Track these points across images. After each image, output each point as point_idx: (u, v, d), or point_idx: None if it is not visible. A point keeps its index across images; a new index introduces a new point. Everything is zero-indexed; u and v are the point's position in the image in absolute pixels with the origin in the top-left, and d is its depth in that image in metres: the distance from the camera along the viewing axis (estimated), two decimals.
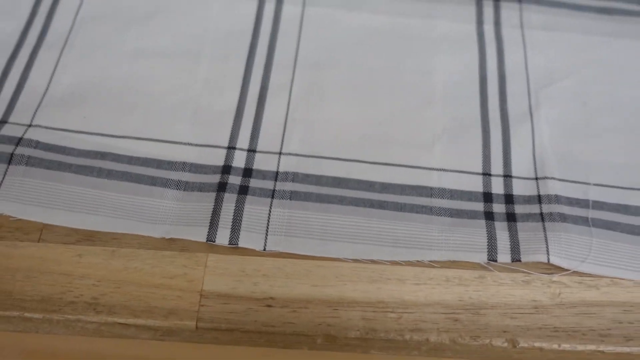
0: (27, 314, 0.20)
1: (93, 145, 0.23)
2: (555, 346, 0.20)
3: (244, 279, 0.20)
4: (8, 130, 0.23)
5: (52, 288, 0.20)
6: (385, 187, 0.23)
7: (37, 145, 0.23)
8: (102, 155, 0.23)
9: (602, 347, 0.20)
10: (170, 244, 0.21)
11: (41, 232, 0.21)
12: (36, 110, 0.24)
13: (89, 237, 0.21)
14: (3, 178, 0.22)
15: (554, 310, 0.20)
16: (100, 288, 0.20)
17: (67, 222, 0.21)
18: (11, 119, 0.24)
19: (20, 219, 0.21)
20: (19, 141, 0.23)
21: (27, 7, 0.27)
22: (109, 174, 0.22)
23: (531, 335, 0.20)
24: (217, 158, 0.23)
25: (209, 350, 0.22)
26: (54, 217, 0.21)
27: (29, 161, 0.22)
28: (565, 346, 0.20)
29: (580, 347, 0.20)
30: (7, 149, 0.22)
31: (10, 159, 0.22)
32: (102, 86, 0.25)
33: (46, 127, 0.24)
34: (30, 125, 0.24)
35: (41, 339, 0.23)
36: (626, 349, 0.20)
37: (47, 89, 0.25)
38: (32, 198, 0.22)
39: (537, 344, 0.20)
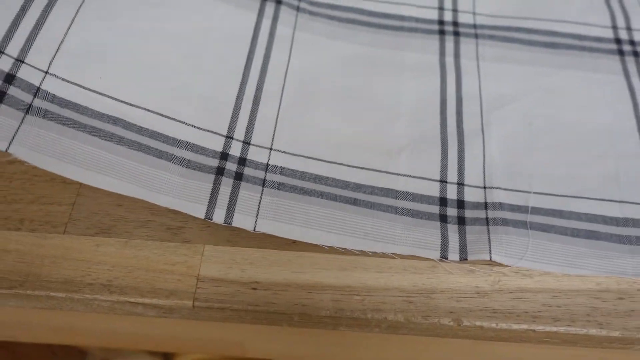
0: (52, 294, 0.23)
1: (106, 108, 0.25)
2: (493, 325, 0.23)
3: (234, 266, 0.24)
4: (25, 74, 0.24)
5: (74, 272, 0.23)
6: (358, 187, 0.26)
7: (54, 99, 0.24)
8: (114, 121, 0.24)
9: (533, 327, 0.23)
10: (173, 237, 0.24)
11: (66, 226, 0.24)
12: (53, 57, 0.25)
13: (106, 231, 0.24)
14: (20, 125, 0.23)
15: (493, 295, 0.23)
16: (114, 272, 0.23)
17: (78, 177, 0.23)
18: (27, 59, 0.24)
19: (48, 214, 0.25)
20: (37, 91, 0.24)
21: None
22: (120, 141, 0.24)
23: (473, 315, 0.23)
24: (216, 144, 0.25)
25: (203, 326, 0.26)
26: (66, 171, 0.23)
27: (46, 115, 0.24)
28: (502, 325, 0.23)
29: (515, 327, 0.23)
30: (26, 97, 0.24)
31: (28, 109, 0.24)
32: (120, 51, 0.26)
33: (62, 79, 0.25)
34: (47, 73, 0.24)
35: (63, 315, 0.27)
36: (554, 329, 0.23)
37: (65, 34, 0.25)
38: (47, 149, 0.23)
39: (478, 323, 0.23)
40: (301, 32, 0.30)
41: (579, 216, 0.26)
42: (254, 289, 0.23)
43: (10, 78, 0.24)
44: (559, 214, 0.26)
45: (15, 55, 0.24)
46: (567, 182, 0.27)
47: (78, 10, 0.26)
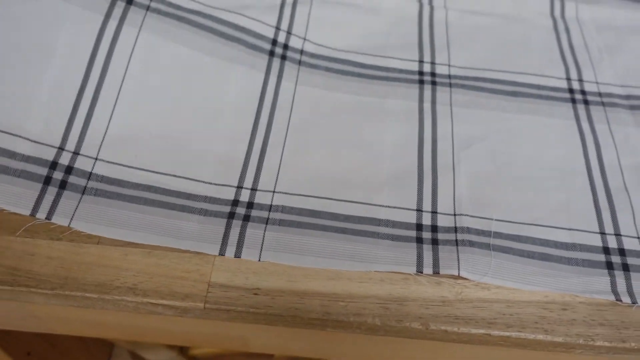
0: (87, 294, 0.27)
1: (141, 179, 0.30)
2: (455, 329, 0.27)
3: (239, 274, 0.28)
4: (81, 164, 0.30)
5: (105, 277, 0.27)
6: (346, 218, 0.30)
7: (102, 179, 0.30)
8: (147, 188, 0.30)
9: (489, 332, 0.27)
10: (188, 251, 0.29)
11: (99, 238, 0.29)
12: (100, 146, 0.31)
13: (132, 242, 0.29)
14: (78, 204, 0.29)
15: (456, 304, 0.27)
16: (138, 278, 0.27)
17: (122, 237, 0.28)
18: (82, 151, 0.30)
19: None
20: (89, 176, 0.30)
21: (87, 52, 0.32)
22: (152, 203, 0.29)
23: (439, 321, 0.27)
24: (228, 194, 0.30)
25: (213, 324, 0.30)
26: (114, 234, 0.28)
27: (97, 192, 0.29)
28: (463, 330, 0.27)
29: (473, 331, 0.27)
30: (82, 182, 0.29)
31: (83, 191, 0.29)
32: (151, 130, 0.32)
33: (108, 162, 0.30)
34: (96, 159, 0.30)
35: (96, 313, 0.31)
36: (507, 334, 0.27)
37: (107, 127, 0.31)
38: (98, 219, 0.28)
39: (442, 327, 0.27)
40: (302, 85, 0.35)
41: (533, 241, 0.30)
42: (255, 294, 0.27)
43: (70, 169, 0.30)
44: (517, 238, 0.30)
45: (72, 149, 0.30)
46: (524, 211, 0.31)
47: (115, 105, 0.32)
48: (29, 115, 0.30)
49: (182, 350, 0.52)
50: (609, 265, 0.29)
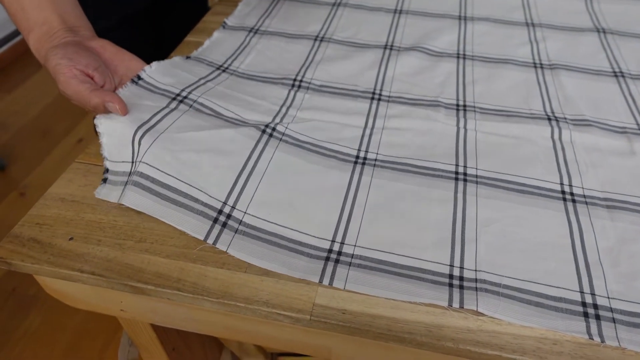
0: (238, 304, 0.39)
1: (273, 229, 0.43)
2: (476, 350, 0.37)
3: (333, 299, 0.40)
4: (236, 214, 0.44)
5: (249, 293, 0.40)
6: (402, 267, 0.41)
7: (248, 226, 0.44)
8: (275, 236, 0.43)
9: (500, 354, 0.36)
10: (301, 280, 0.41)
11: (246, 269, 0.42)
12: (249, 204, 0.44)
13: (266, 273, 0.41)
14: (232, 239, 0.42)
15: (477, 332, 0.37)
16: (270, 296, 0.40)
17: (257, 264, 0.41)
18: (237, 206, 0.44)
19: (239, 261, 0.42)
20: (240, 222, 0.44)
21: (243, 156, 0.48)
22: (278, 245, 0.42)
23: (465, 343, 0.37)
24: (326, 245, 0.43)
25: (307, 334, 0.41)
26: (252, 261, 0.41)
27: (245, 233, 0.43)
28: (482, 351, 0.36)
29: (489, 352, 0.37)
30: (235, 225, 0.43)
31: (236, 231, 0.43)
32: (278, 200, 0.45)
33: (253, 215, 0.44)
34: (245, 213, 0.44)
35: (234, 318, 0.43)
36: (512, 357, 0.36)
37: (254, 192, 0.46)
38: (243, 251, 0.42)
39: (467, 348, 0.37)
40: (375, 178, 0.49)
41: (531, 293, 0.40)
42: (343, 313, 0.39)
43: (229, 216, 0.44)
44: (519, 290, 0.40)
45: (231, 205, 0.45)
46: (525, 272, 0.41)
47: (258, 184, 0.47)
48: (208, 183, 0.46)
49: (273, 357, 0.63)
50: (585, 314, 0.39)
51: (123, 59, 0.54)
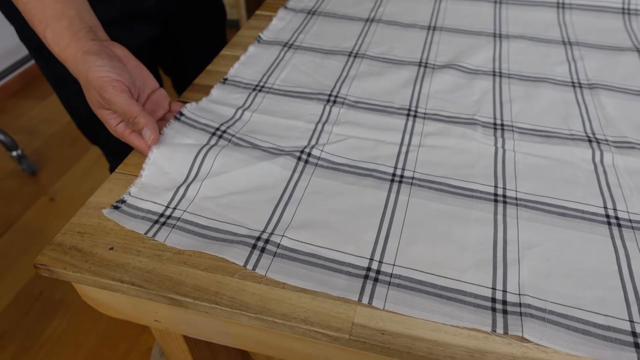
0: (276, 320, 0.39)
1: (310, 250, 0.43)
2: None
3: (372, 319, 0.39)
4: (274, 238, 0.44)
5: (287, 310, 0.39)
6: (443, 288, 0.41)
7: (285, 248, 0.44)
8: (313, 256, 0.43)
9: None
10: (339, 299, 0.41)
11: (284, 285, 0.42)
12: (286, 229, 0.45)
13: (303, 290, 0.41)
14: (271, 262, 0.42)
15: (521, 359, 0.37)
16: (308, 313, 0.39)
17: (296, 284, 0.41)
18: (276, 231, 0.44)
19: (276, 281, 0.42)
20: (278, 245, 0.44)
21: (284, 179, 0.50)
22: (316, 264, 0.42)
23: None
24: (364, 263, 0.42)
25: (342, 354, 0.40)
26: (291, 281, 0.41)
27: (282, 256, 0.43)
28: None
29: None
30: (274, 249, 0.43)
31: (274, 254, 0.43)
32: (315, 223, 0.45)
33: (289, 238, 0.44)
34: (283, 236, 0.44)
35: (269, 334, 0.43)
36: None
37: (292, 219, 0.46)
38: (282, 272, 0.41)
39: None
40: (413, 198, 0.49)
41: (577, 320, 0.39)
42: (382, 333, 0.38)
43: (267, 242, 0.44)
44: (565, 317, 0.39)
45: (270, 231, 0.46)
46: (570, 298, 0.40)
47: (296, 210, 0.47)
48: (248, 218, 0.47)
49: None
50: (637, 345, 0.37)
51: (142, 75, 0.55)
